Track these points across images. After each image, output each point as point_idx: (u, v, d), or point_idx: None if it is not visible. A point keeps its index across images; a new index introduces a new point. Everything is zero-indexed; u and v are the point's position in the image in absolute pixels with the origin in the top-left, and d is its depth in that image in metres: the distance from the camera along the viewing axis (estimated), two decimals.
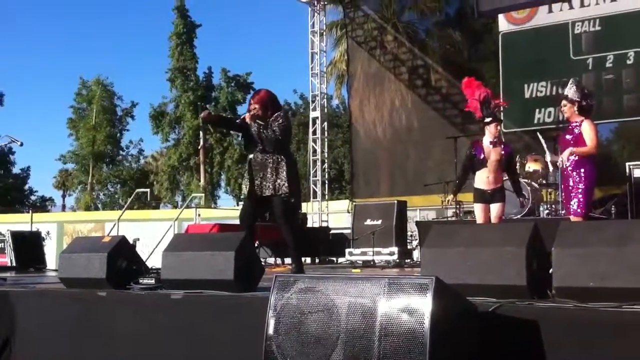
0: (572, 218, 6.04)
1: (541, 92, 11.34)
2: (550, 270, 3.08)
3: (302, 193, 14.20)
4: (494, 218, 6.73)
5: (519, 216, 8.56)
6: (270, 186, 5.71)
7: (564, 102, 6.25)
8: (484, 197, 6.73)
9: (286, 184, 5.70)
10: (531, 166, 9.21)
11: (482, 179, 6.72)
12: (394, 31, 13.93)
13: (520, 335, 2.87)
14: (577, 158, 6.05)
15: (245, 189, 5.92)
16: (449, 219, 10.07)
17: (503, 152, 6.76)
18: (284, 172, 5.73)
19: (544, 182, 9.13)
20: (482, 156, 6.70)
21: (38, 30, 59.15)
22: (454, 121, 12.40)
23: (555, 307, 2.95)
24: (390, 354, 2.65)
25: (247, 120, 5.81)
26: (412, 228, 10.25)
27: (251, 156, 5.88)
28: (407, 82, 13.49)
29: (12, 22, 58.97)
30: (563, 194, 6.95)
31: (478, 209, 6.78)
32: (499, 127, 6.84)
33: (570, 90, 6.23)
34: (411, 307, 2.66)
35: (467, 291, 2.98)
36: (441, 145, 12.05)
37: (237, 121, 6.00)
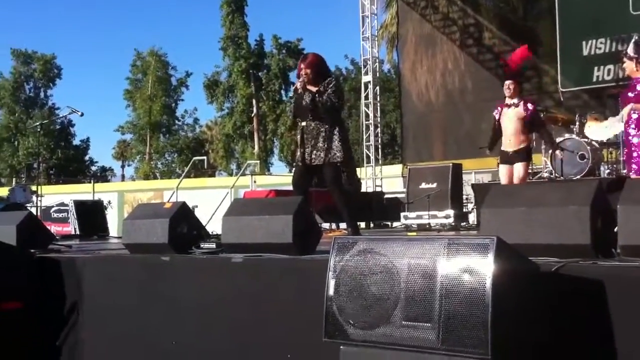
0: (633, 176, 5.88)
1: (600, 49, 10.94)
2: (615, 229, 3.01)
3: (356, 159, 14.20)
4: (515, 178, 6.66)
5: (578, 177, 8.37)
6: (322, 154, 5.71)
7: (624, 59, 6.10)
8: (506, 159, 6.70)
9: (339, 152, 5.69)
10: (591, 125, 8.95)
11: (504, 142, 6.71)
12: None
13: (585, 295, 2.82)
14: (638, 115, 5.88)
15: (297, 156, 5.95)
16: None
17: (524, 111, 6.65)
18: (337, 141, 5.72)
19: (605, 141, 8.87)
20: (498, 117, 6.69)
21: (92, 2, 60.22)
22: None
23: (620, 266, 2.88)
24: (451, 314, 2.64)
25: (299, 88, 5.80)
26: (467, 191, 10.14)
27: (303, 124, 5.86)
28: (459, 43, 13.21)
29: None
30: (625, 153, 6.76)
31: (502, 170, 6.78)
32: (512, 86, 6.71)
33: (630, 47, 6.06)
34: (472, 267, 2.64)
35: (528, 251, 2.94)
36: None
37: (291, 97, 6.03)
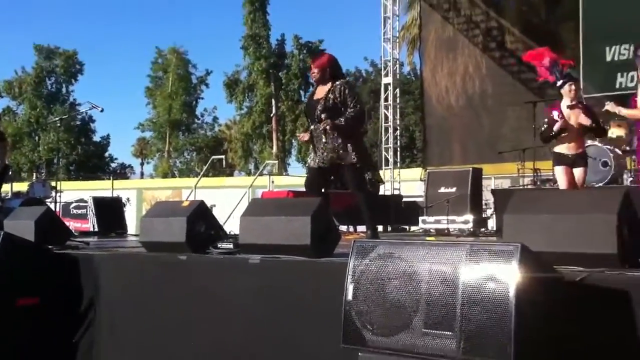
0: None
1: (623, 55, 10.76)
2: None
3: (374, 161, 14.10)
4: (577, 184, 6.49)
5: (601, 184, 8.25)
6: (333, 156, 5.66)
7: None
8: (565, 161, 6.48)
9: (353, 154, 5.63)
10: (614, 132, 8.81)
11: (564, 144, 6.48)
12: None
13: (610, 306, 2.75)
14: None
15: (309, 159, 5.93)
16: (526, 187, 9.80)
17: (585, 114, 6.44)
18: (350, 143, 5.65)
19: (628, 148, 8.73)
20: (562, 118, 6.44)
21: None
22: (531, 86, 11.98)
23: None
24: (473, 322, 2.58)
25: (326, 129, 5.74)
26: (486, 196, 10.03)
27: (312, 127, 5.84)
28: (481, 46, 13.11)
29: None
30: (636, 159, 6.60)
31: (560, 172, 6.50)
32: (573, 87, 6.50)
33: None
34: (495, 275, 2.58)
35: (553, 260, 2.87)
36: (516, 111, 11.72)
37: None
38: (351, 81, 5.34)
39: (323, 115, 5.63)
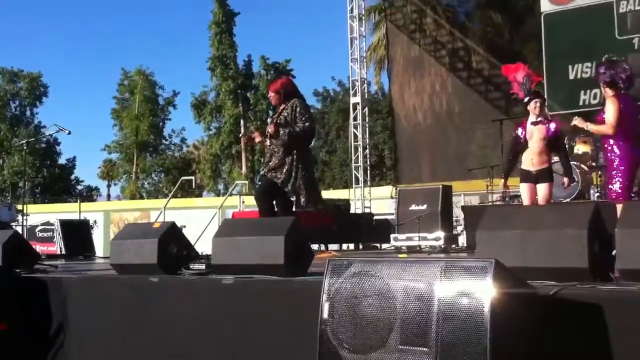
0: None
1: (586, 73, 11.00)
2: (614, 252, 2.98)
3: (344, 180, 14.16)
4: (541, 199, 6.54)
5: (568, 199, 8.37)
6: (277, 176, 5.84)
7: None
8: (529, 178, 6.56)
9: (284, 172, 5.81)
10: (580, 148, 8.99)
11: (527, 160, 6.56)
12: (433, 14, 13.72)
13: (583, 320, 2.78)
14: (610, 139, 5.94)
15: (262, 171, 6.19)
16: (495, 203, 9.91)
17: (547, 130, 6.53)
18: (287, 164, 5.83)
19: (594, 164, 8.90)
20: (524, 135, 6.54)
21: (80, 22, 60.23)
22: (497, 104, 12.20)
23: (619, 290, 2.85)
24: (449, 338, 2.59)
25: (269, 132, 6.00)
26: (456, 213, 10.10)
27: (267, 142, 6.02)
28: (448, 66, 13.30)
29: (55, 15, 60.19)
30: (605, 176, 6.75)
31: (524, 188, 6.59)
32: (538, 104, 6.58)
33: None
34: (470, 290, 2.60)
35: (526, 274, 2.90)
36: (484, 129, 11.90)
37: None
38: (305, 102, 5.51)
39: (268, 121, 5.95)
